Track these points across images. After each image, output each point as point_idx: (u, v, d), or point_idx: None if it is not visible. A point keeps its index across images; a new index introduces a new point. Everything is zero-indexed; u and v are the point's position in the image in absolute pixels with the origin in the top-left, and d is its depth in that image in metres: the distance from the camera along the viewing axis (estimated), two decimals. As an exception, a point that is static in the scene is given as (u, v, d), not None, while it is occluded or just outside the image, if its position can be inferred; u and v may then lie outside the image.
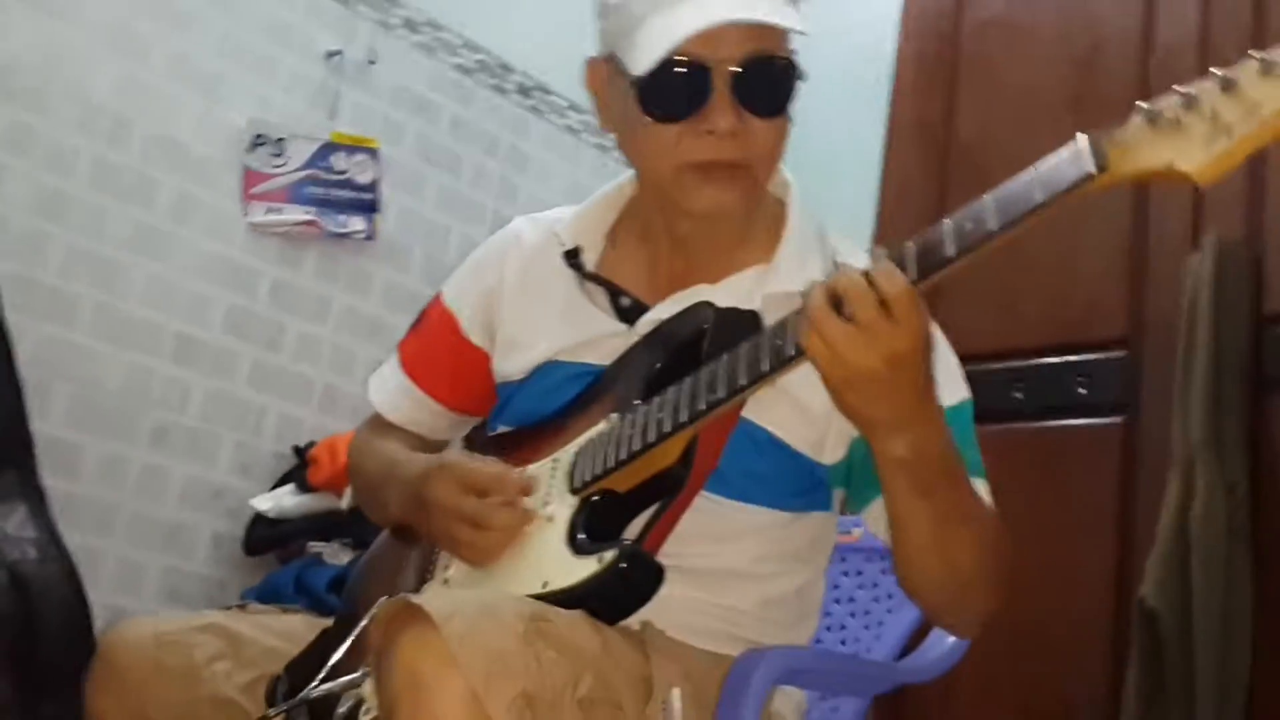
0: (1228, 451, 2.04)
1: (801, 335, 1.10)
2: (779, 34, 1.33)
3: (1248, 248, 2.20)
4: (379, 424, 1.64)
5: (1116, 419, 2.31)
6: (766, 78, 1.32)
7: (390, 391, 1.62)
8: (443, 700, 1.03)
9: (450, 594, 1.30)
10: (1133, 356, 2.32)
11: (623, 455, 1.27)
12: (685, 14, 1.29)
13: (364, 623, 1.23)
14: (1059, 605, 2.20)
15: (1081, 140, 1.01)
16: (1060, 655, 2.21)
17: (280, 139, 3.16)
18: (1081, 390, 2.37)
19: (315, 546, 2.87)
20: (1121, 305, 2.36)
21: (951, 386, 1.36)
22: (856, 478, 1.37)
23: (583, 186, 3.74)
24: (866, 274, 1.08)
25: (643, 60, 1.31)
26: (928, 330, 1.09)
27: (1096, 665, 2.16)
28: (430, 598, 1.11)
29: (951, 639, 1.62)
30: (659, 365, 1.33)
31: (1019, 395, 2.44)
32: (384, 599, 1.17)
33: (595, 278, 1.47)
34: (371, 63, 3.33)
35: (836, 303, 1.08)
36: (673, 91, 1.31)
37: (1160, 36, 2.44)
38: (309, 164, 3.20)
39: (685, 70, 1.30)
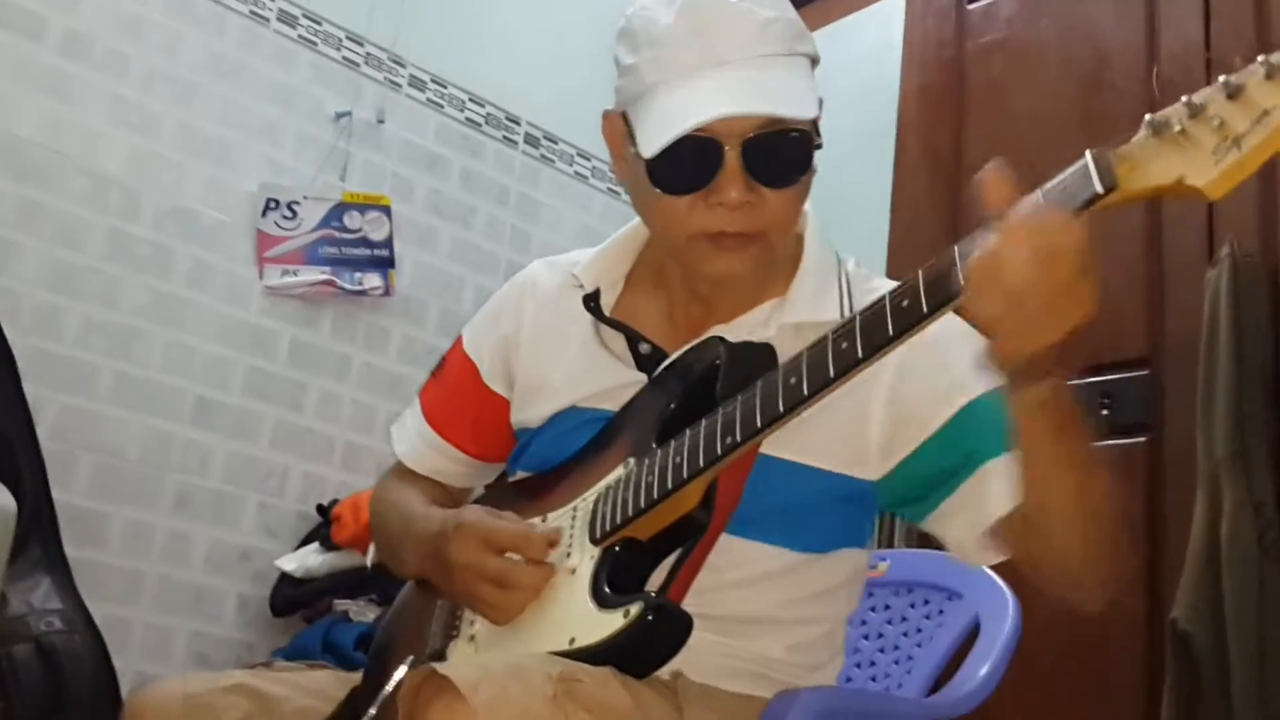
0: (1254, 468, 2.02)
1: (976, 290, 1.01)
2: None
3: (1265, 259, 2.18)
4: (401, 473, 1.62)
5: (1141, 439, 2.28)
6: (778, 150, 1.30)
7: (412, 440, 1.61)
8: None
9: (476, 659, 1.28)
10: (1154, 375, 2.30)
11: (642, 504, 1.25)
12: (693, 97, 1.27)
13: (390, 688, 1.22)
14: (1090, 632, 2.17)
15: (1089, 157, 0.98)
16: (1094, 683, 2.17)
17: (292, 201, 3.18)
18: (1105, 411, 2.34)
19: (342, 604, 2.86)
20: (1141, 324, 2.34)
21: (987, 375, 1.26)
22: (922, 484, 1.33)
23: (594, 231, 3.76)
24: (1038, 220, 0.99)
25: (650, 142, 1.29)
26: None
27: (1131, 691, 2.13)
28: (456, 665, 1.10)
29: (984, 670, 1.59)
30: (673, 405, 1.31)
31: (1044, 420, 2.41)
32: (410, 661, 1.15)
33: (614, 323, 1.45)
34: (380, 122, 3.36)
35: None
36: (682, 165, 1.29)
37: (1164, 49, 2.44)
38: (322, 224, 3.22)
39: (694, 145, 1.28)
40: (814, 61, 1.36)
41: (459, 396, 1.58)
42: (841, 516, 1.37)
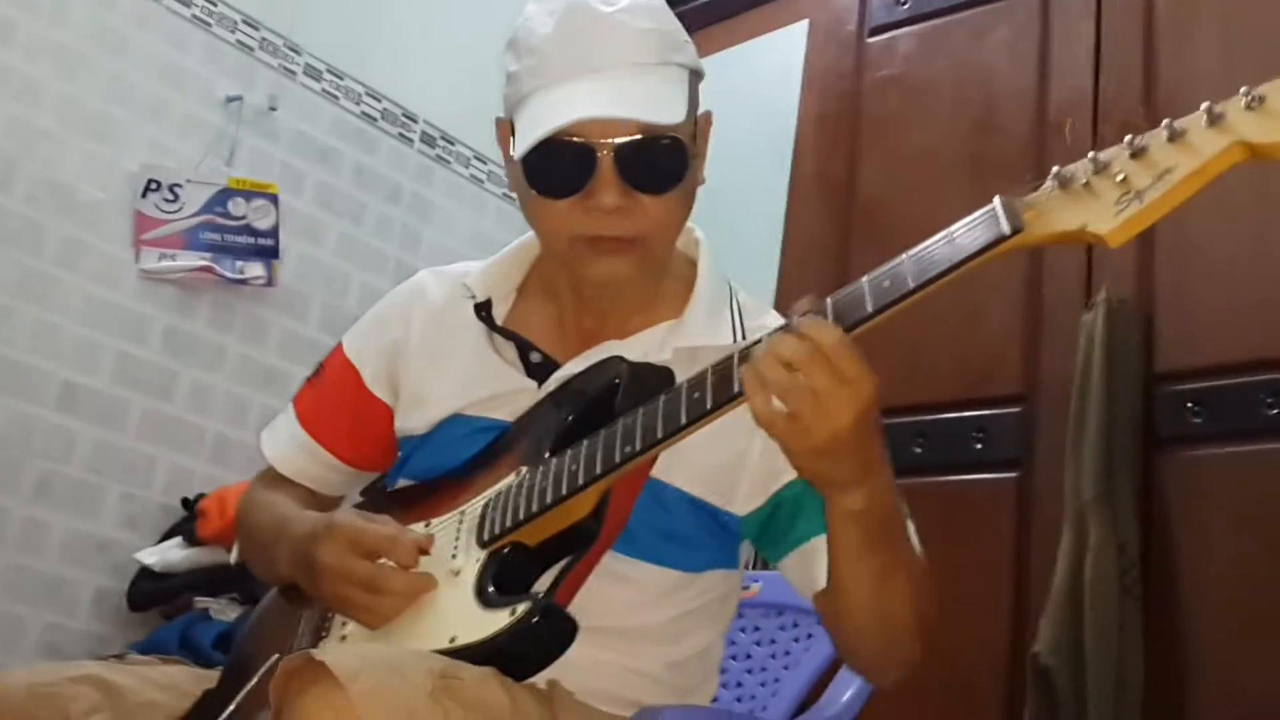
0: (1119, 510, 2.07)
1: (757, 414, 1.07)
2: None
3: (1139, 307, 2.24)
4: (271, 479, 1.59)
5: (1012, 474, 2.33)
6: (650, 157, 1.32)
7: (284, 444, 1.58)
8: None
9: (355, 648, 1.25)
10: (1028, 413, 2.35)
11: (534, 508, 1.25)
12: (561, 102, 1.30)
13: (256, 678, 1.18)
14: (956, 658, 2.20)
15: (997, 202, 1.03)
16: (956, 711, 2.21)
17: (174, 184, 3.09)
18: (979, 445, 2.39)
19: (202, 602, 2.79)
20: (1018, 363, 2.39)
21: None
22: (776, 528, 1.36)
23: (487, 236, 3.73)
24: (800, 334, 1.06)
25: (521, 142, 1.32)
26: (875, 382, 1.07)
27: (993, 718, 2.16)
28: (335, 653, 1.07)
29: (847, 695, 1.61)
30: (570, 419, 1.31)
31: (919, 450, 2.45)
32: (276, 659, 1.12)
33: (505, 332, 1.46)
34: (272, 109, 3.29)
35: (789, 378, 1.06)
36: (557, 169, 1.32)
37: (1053, 95, 2.50)
38: (205, 209, 3.14)
39: (568, 149, 1.30)
40: (695, 73, 1.39)
41: (336, 402, 1.56)
42: (718, 541, 1.39)
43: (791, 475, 1.30)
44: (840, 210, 2.75)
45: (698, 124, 1.39)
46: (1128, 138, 0.97)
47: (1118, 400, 2.15)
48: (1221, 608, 2.03)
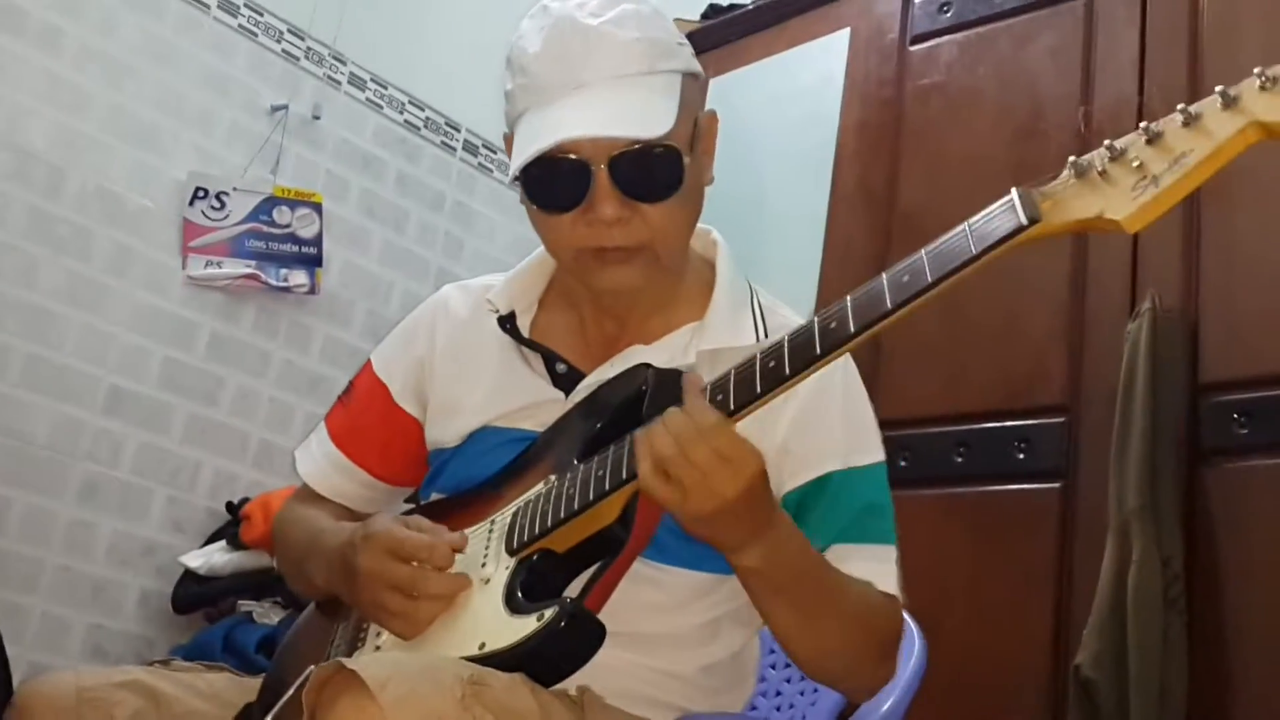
0: (1163, 522, 2.04)
1: (640, 478, 1.15)
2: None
3: (1184, 316, 2.21)
4: (306, 497, 1.61)
5: (1055, 484, 2.31)
6: (645, 167, 1.32)
7: (318, 463, 1.59)
8: None
9: (385, 656, 1.26)
10: (1072, 423, 2.33)
11: (562, 514, 1.25)
12: (547, 122, 1.32)
13: (293, 689, 1.19)
14: (997, 668, 2.19)
15: (1013, 194, 1.04)
16: (998, 719, 2.19)
17: (221, 192, 3.13)
18: (1021, 455, 2.37)
19: (245, 605, 2.82)
20: (1062, 372, 2.36)
21: (866, 447, 1.39)
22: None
23: (528, 243, 3.69)
24: (686, 413, 1.13)
25: (515, 161, 1.34)
26: (759, 460, 1.15)
27: (1034, 732, 2.14)
28: (365, 662, 1.09)
29: (888, 704, 1.60)
30: (599, 427, 1.32)
31: (960, 459, 2.44)
32: (311, 671, 1.13)
33: (531, 343, 1.47)
34: (316, 118, 3.32)
35: (676, 451, 1.13)
36: (554, 185, 1.33)
37: (1098, 102, 2.48)
38: (250, 217, 3.17)
39: (564, 165, 1.32)
40: (690, 75, 1.40)
41: (368, 419, 1.57)
42: None
43: (788, 487, 1.34)
44: (881, 218, 2.74)
45: (698, 125, 1.40)
46: (1143, 124, 0.97)
47: (1162, 411, 2.12)
48: (1266, 621, 2.00)
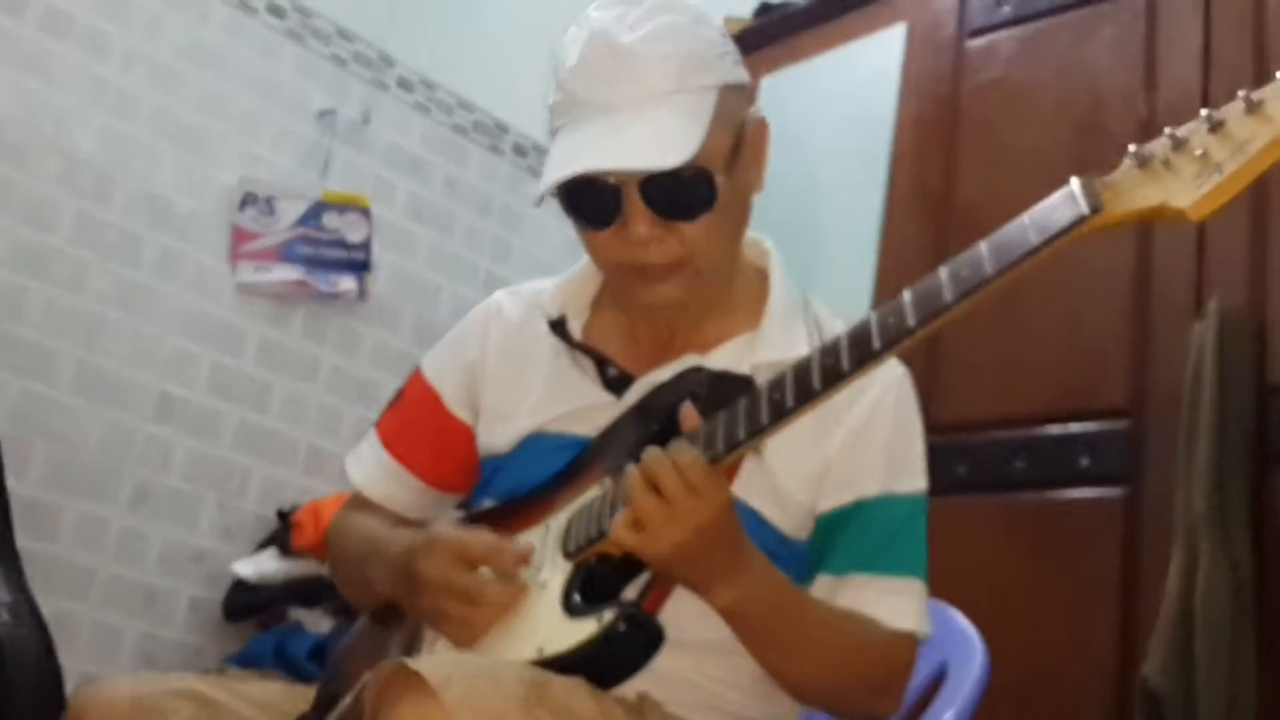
0: (1232, 527, 1.99)
1: (614, 521, 1.19)
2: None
3: (1252, 316, 2.16)
4: (358, 504, 1.60)
5: (1119, 490, 2.26)
6: (675, 188, 1.31)
7: (370, 469, 1.59)
8: None
9: (445, 657, 1.27)
10: (1136, 427, 2.27)
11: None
12: (568, 149, 1.32)
13: (356, 690, 1.19)
14: (1061, 678, 2.15)
15: (1074, 184, 1.04)
16: (1063, 732, 2.15)
17: (270, 197, 3.13)
18: (1084, 460, 2.32)
19: (296, 613, 2.82)
20: (1125, 374, 2.31)
21: (908, 474, 1.38)
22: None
23: (576, 246, 3.69)
24: (671, 454, 1.17)
25: (541, 183, 1.34)
26: (728, 499, 1.19)
27: (1100, 744, 2.10)
28: (427, 661, 1.10)
29: (948, 716, 1.56)
30: (654, 430, 1.30)
31: (1021, 465, 2.39)
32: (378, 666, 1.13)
33: (582, 347, 1.46)
34: (365, 122, 3.32)
35: (652, 486, 1.16)
36: (589, 204, 1.33)
37: (1160, 97, 2.42)
38: (300, 223, 3.17)
39: (597, 184, 1.31)
40: (731, 88, 1.36)
41: (419, 424, 1.57)
42: (799, 559, 1.38)
43: (823, 508, 1.35)
44: (938, 216, 2.70)
45: (743, 135, 1.37)
46: (1204, 112, 0.97)
47: (1230, 414, 2.07)
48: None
